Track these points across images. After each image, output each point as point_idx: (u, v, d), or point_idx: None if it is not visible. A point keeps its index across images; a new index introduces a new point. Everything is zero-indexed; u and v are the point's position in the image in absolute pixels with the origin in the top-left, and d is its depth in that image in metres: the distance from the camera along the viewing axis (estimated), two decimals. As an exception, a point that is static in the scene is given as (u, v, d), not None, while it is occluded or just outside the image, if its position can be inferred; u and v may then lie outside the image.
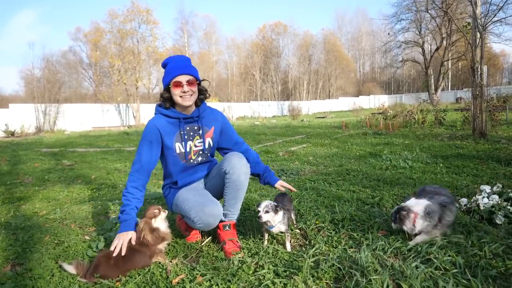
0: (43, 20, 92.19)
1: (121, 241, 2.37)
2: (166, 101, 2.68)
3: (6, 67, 79.92)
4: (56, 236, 2.98)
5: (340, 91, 65.23)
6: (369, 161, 6.07)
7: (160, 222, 2.53)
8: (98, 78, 42.05)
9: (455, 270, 1.96)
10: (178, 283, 2.14)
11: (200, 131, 2.76)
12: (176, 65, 2.63)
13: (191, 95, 2.62)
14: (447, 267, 2.01)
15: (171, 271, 2.29)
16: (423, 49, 35.08)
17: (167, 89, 2.65)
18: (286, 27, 65.94)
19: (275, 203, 2.52)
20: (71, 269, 2.26)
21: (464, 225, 2.70)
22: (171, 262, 2.47)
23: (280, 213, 2.52)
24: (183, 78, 2.58)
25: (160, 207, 2.57)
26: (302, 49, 65.33)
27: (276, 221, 2.51)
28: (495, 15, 8.64)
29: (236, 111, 37.77)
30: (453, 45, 32.52)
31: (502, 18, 9.06)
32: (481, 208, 2.96)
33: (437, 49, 33.55)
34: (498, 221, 2.78)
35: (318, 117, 28.72)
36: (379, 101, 37.65)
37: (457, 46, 32.26)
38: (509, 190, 3.27)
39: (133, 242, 2.39)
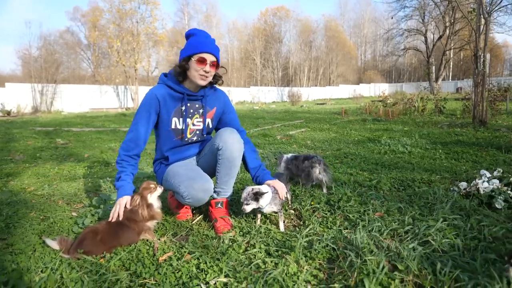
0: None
1: (118, 207, 2.29)
2: (180, 74, 2.49)
3: (3, 45, 78.94)
4: (42, 212, 2.89)
5: (340, 79, 64.78)
6: (367, 146, 5.98)
7: (155, 198, 2.44)
8: (97, 59, 41.55)
9: (453, 253, 1.87)
10: (165, 260, 2.06)
11: (201, 110, 2.63)
12: (204, 40, 2.43)
13: (209, 76, 2.48)
14: (446, 249, 1.92)
15: (158, 249, 2.21)
16: (425, 37, 34.63)
17: (187, 60, 2.44)
18: (288, 11, 65.13)
19: (255, 191, 2.38)
20: (54, 244, 2.16)
21: (463, 209, 2.62)
22: (159, 240, 2.39)
23: (267, 195, 2.41)
24: (209, 57, 2.41)
25: (155, 182, 2.48)
26: (303, 35, 64.64)
27: (264, 204, 2.42)
28: (501, 1, 8.46)
29: (236, 96, 37.55)
30: (456, 34, 32.11)
31: (509, 4, 8.85)
32: (481, 192, 2.88)
33: (439, 37, 33.13)
34: (497, 205, 2.70)
35: (317, 104, 28.54)
36: (380, 89, 37.36)
37: (460, 35, 31.89)
38: (509, 175, 3.19)
39: (128, 206, 2.32)
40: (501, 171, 3.36)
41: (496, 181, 2.99)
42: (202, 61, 2.40)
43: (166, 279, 1.85)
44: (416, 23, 37.54)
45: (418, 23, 36.49)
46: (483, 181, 3.01)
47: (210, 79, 2.51)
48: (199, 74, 2.43)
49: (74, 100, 27.54)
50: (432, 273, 1.69)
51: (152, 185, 2.44)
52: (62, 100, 26.32)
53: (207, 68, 2.41)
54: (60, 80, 28.13)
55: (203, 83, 2.48)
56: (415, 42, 40.33)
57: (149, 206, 2.38)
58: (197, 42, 2.42)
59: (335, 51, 63.81)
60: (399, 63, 58.78)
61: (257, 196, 2.37)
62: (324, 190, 3.25)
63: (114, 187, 2.48)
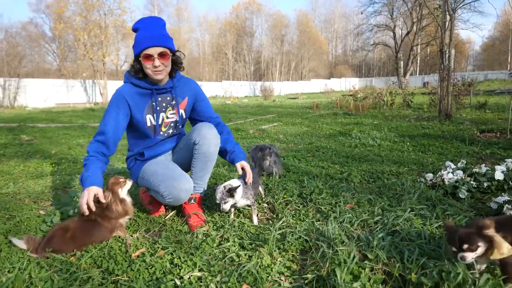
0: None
1: (85, 198, 2.13)
2: (138, 72, 2.43)
3: (-38, 38, 74.68)
4: (7, 211, 2.78)
5: (312, 73, 65.46)
6: (338, 139, 6.09)
7: (126, 193, 2.40)
8: (63, 52, 40.04)
9: (420, 241, 1.95)
10: (138, 257, 2.03)
11: (173, 102, 2.58)
12: (147, 35, 2.34)
13: (163, 69, 2.40)
14: (413, 238, 2.00)
15: (130, 245, 2.17)
16: (394, 33, 35.50)
17: (137, 59, 2.39)
18: (260, 6, 65.06)
19: (227, 188, 2.37)
20: (21, 244, 2.09)
21: (429, 199, 2.72)
22: (131, 236, 2.35)
23: (240, 189, 2.42)
24: (154, 51, 2.32)
25: (123, 177, 2.43)
26: (275, 29, 64.78)
27: (238, 199, 2.43)
28: (464, -1, 8.77)
29: (208, 90, 37.22)
30: (423, 30, 33.12)
31: (472, 1, 9.19)
32: (446, 183, 3.00)
33: (407, 33, 34.06)
34: (461, 195, 2.82)
35: (290, 98, 28.74)
36: (350, 83, 38.06)
37: (427, 31, 32.89)
38: (472, 166, 3.34)
39: (102, 200, 2.20)
40: (465, 162, 3.52)
41: (460, 172, 3.12)
42: (148, 57, 2.33)
43: (139, 275, 1.83)
44: (385, 19, 38.48)
45: (387, 19, 37.42)
46: (448, 172, 3.14)
47: (167, 70, 2.44)
48: (151, 70, 2.37)
49: (39, 95, 26.44)
50: (400, 261, 1.76)
51: (121, 179, 2.39)
52: (26, 95, 25.23)
53: (156, 62, 2.33)
54: (24, 74, 26.91)
55: (160, 77, 2.41)
56: (384, 38, 41.30)
57: (122, 201, 2.34)
58: (139, 39, 2.35)
59: (306, 45, 64.33)
60: (369, 58, 60.07)
61: (231, 192, 2.37)
62: (277, 177, 3.53)
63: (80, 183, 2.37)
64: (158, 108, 2.52)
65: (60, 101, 27.68)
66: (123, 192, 2.37)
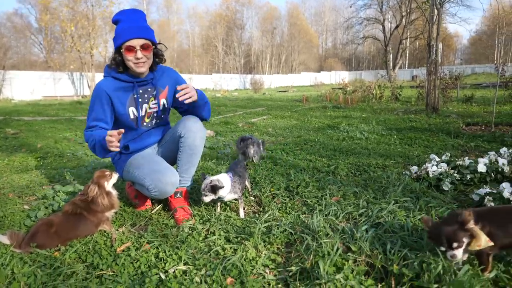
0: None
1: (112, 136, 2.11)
2: (119, 65, 2.41)
3: None
4: (-9, 205, 2.75)
5: (302, 66, 65.45)
6: (327, 133, 6.13)
7: (111, 186, 2.38)
8: (49, 44, 39.27)
9: (403, 233, 1.98)
10: (123, 251, 2.03)
11: (155, 92, 2.57)
12: (128, 26, 2.32)
13: (145, 61, 2.38)
14: (396, 230, 2.03)
15: (116, 239, 2.17)
16: (383, 26, 35.62)
17: (118, 51, 2.37)
18: (250, -2, 64.62)
19: (213, 184, 2.36)
20: (4, 239, 2.07)
21: (413, 191, 2.76)
22: (117, 230, 2.35)
23: (223, 189, 2.41)
24: (136, 43, 2.30)
25: (109, 170, 2.42)
26: (266, 22, 64.50)
27: (223, 195, 2.44)
28: (452, -7, 8.82)
29: (198, 83, 36.98)
30: (412, 24, 33.28)
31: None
32: (430, 175, 3.05)
33: (396, 27, 34.20)
34: (445, 188, 2.87)
35: (280, 91, 28.74)
36: (340, 77, 38.11)
37: (416, 25, 33.08)
38: (456, 159, 3.39)
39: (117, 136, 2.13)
40: (449, 155, 3.57)
41: (444, 165, 3.17)
42: (130, 49, 2.31)
43: (124, 269, 1.83)
44: (374, 12, 38.58)
45: (377, 12, 37.51)
46: (432, 165, 3.19)
47: (149, 62, 2.42)
48: (133, 63, 2.35)
49: (25, 87, 25.98)
50: (382, 253, 1.79)
51: (107, 173, 2.37)
52: (12, 87, 24.78)
53: (138, 54, 2.31)
54: (9, 66, 26.47)
55: (141, 70, 2.39)
56: (374, 31, 41.40)
57: (108, 194, 2.33)
58: (121, 30, 2.32)
59: (297, 38, 64.22)
60: (358, 51, 60.23)
61: (214, 189, 2.37)
62: (255, 160, 3.98)
63: (94, 149, 2.36)
64: (140, 100, 2.51)
65: (47, 93, 27.24)
66: (109, 185, 2.36)
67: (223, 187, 2.39)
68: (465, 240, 1.53)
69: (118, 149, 2.17)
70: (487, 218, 1.59)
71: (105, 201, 2.28)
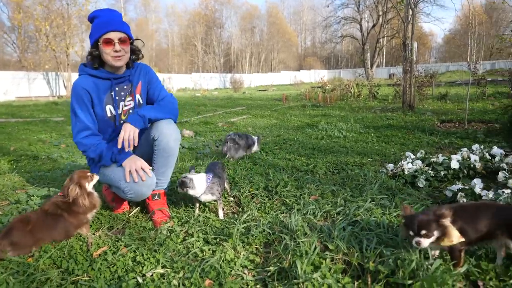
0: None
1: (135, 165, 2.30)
2: (95, 60, 2.38)
3: None
4: (-40, 211, 2.65)
5: (282, 65, 65.69)
6: (306, 131, 6.17)
7: (92, 187, 2.34)
8: (23, 43, 38.12)
9: (379, 230, 2.01)
10: (99, 255, 1.99)
11: (130, 89, 2.55)
12: (106, 20, 2.32)
13: (123, 55, 2.37)
14: (372, 228, 2.06)
15: (92, 244, 2.13)
16: (361, 25, 36.14)
17: (95, 46, 2.35)
18: (229, -3, 64.44)
19: (180, 180, 2.41)
20: None
21: (389, 189, 2.81)
22: (94, 234, 2.30)
23: (200, 186, 2.43)
24: (114, 35, 2.30)
25: (88, 171, 2.37)
26: (245, 20, 64.45)
27: (196, 194, 2.44)
28: (426, -7, 9.03)
29: (177, 82, 36.65)
30: (388, 23, 33.94)
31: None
32: (406, 172, 3.11)
33: (373, 26, 34.78)
34: (420, 184, 2.93)
35: (260, 90, 28.78)
36: (319, 75, 38.44)
37: (392, 24, 33.75)
38: (431, 156, 3.48)
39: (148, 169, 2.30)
40: (424, 152, 3.66)
41: (419, 162, 3.24)
42: (109, 42, 2.30)
43: (100, 274, 1.80)
44: (352, 12, 39.06)
45: (354, 12, 38.02)
46: (408, 162, 3.26)
47: (126, 57, 2.42)
48: (111, 56, 2.34)
49: (-2, 87, 25.21)
50: (359, 251, 1.81)
51: (88, 174, 2.33)
52: (-17, 87, 24.01)
53: (117, 47, 2.31)
54: (-20, 66, 25.61)
55: (119, 63, 2.38)
56: (351, 30, 42.01)
57: (89, 195, 2.28)
58: (99, 24, 2.33)
59: (276, 37, 64.41)
60: (337, 50, 60.97)
61: (181, 185, 2.40)
62: (231, 160, 4.15)
63: (104, 164, 2.42)
64: (117, 98, 2.49)
65: (21, 94, 26.44)
66: (90, 186, 2.31)
67: (189, 187, 2.40)
68: (436, 233, 1.58)
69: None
70: (458, 214, 1.64)
71: (86, 201, 2.23)
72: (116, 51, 2.32)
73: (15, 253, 1.97)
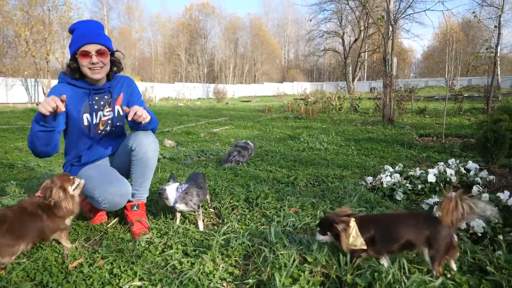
0: None
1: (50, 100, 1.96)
2: (75, 72, 2.37)
3: None
4: None
5: (265, 76, 66.13)
6: (288, 143, 6.22)
7: (73, 190, 2.26)
8: (1, 48, 37.29)
9: (357, 243, 2.04)
10: (75, 267, 1.95)
11: (110, 100, 2.53)
12: (84, 32, 2.31)
13: (102, 67, 2.35)
14: (350, 240, 2.08)
15: (68, 256, 2.08)
16: (343, 39, 36.84)
17: (74, 58, 2.34)
18: (214, 8, 64.81)
19: (158, 191, 2.46)
20: None
21: (368, 201, 2.86)
22: (70, 245, 2.25)
23: (171, 194, 2.44)
24: (92, 48, 2.29)
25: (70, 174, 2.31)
26: (229, 31, 64.84)
27: (168, 203, 2.45)
28: (405, 11, 9.34)
29: (160, 92, 36.46)
30: (370, 38, 34.76)
31: (411, 14, 9.79)
32: (384, 185, 3.17)
33: (355, 40, 35.51)
34: (398, 197, 2.99)
35: (243, 101, 28.87)
36: (302, 87, 38.85)
37: (373, 39, 34.57)
38: (408, 170, 3.55)
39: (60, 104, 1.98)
40: (402, 166, 3.73)
41: (397, 175, 3.31)
42: (85, 54, 2.29)
43: (75, 287, 1.76)
44: (334, 26, 39.80)
45: (336, 26, 38.75)
46: (386, 176, 3.32)
47: (105, 69, 2.41)
48: (88, 69, 2.33)
49: (-27, 93, 24.53)
50: (337, 263, 1.83)
51: (71, 177, 2.27)
52: (-42, 93, 23.33)
53: (94, 59, 2.30)
54: (-45, 71, 24.91)
55: (98, 76, 2.37)
56: (334, 44, 42.68)
57: (72, 198, 2.21)
58: (76, 37, 2.32)
59: (259, 49, 64.92)
60: (319, 63, 61.93)
61: (159, 195, 2.46)
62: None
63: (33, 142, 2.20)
64: (95, 107, 2.47)
65: (-2, 100, 25.80)
66: (72, 189, 2.24)
67: (163, 197, 2.44)
68: (328, 234, 1.85)
69: (49, 111, 1.98)
70: (375, 223, 1.81)
71: (69, 205, 2.16)
72: (93, 63, 2.31)
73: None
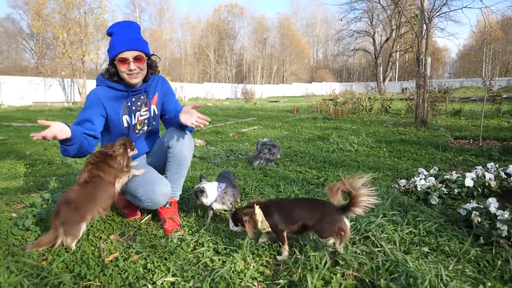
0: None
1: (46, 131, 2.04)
2: (113, 76, 2.45)
3: None
4: (-24, 213, 2.70)
5: (293, 77, 65.86)
6: (317, 144, 6.17)
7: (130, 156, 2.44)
8: (41, 50, 38.92)
9: (390, 246, 2.00)
10: (111, 261, 2.01)
11: (146, 100, 2.60)
12: (122, 38, 2.36)
13: (139, 72, 2.41)
14: (383, 244, 2.04)
15: (104, 249, 2.15)
16: (373, 39, 36.17)
17: (112, 63, 2.41)
18: (242, 9, 65.18)
19: (195, 189, 2.52)
20: None
21: (401, 205, 2.79)
22: (107, 238, 2.32)
23: (209, 194, 2.48)
24: (129, 55, 2.34)
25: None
26: (257, 32, 64.99)
27: (207, 202, 2.50)
28: (440, 9, 9.06)
29: (189, 91, 37.02)
30: (401, 37, 33.92)
31: (446, 12, 9.48)
32: (418, 189, 3.08)
33: (386, 40, 34.77)
34: (433, 202, 2.90)
35: (271, 101, 28.87)
36: (331, 88, 38.40)
37: (405, 38, 33.71)
38: (444, 173, 3.44)
39: (58, 135, 2.06)
40: (437, 169, 3.62)
41: (432, 179, 3.21)
42: (124, 61, 2.35)
43: (111, 280, 1.82)
44: (365, 25, 39.13)
45: (367, 25, 38.08)
46: (421, 179, 3.23)
47: (143, 73, 2.46)
48: (126, 74, 2.39)
49: (15, 92, 25.74)
50: (370, 267, 1.80)
51: (133, 143, 2.44)
52: (2, 92, 24.55)
53: (132, 66, 2.36)
54: (-1, 71, 26.26)
55: (136, 81, 2.43)
56: (364, 43, 41.95)
57: (128, 158, 2.37)
58: (114, 43, 2.37)
59: (288, 49, 64.73)
60: (349, 63, 60.97)
61: (196, 194, 2.49)
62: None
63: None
64: (133, 107, 2.53)
65: (37, 99, 26.98)
66: (130, 154, 2.41)
67: (203, 192, 2.49)
68: (239, 223, 2.09)
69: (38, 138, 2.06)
70: (276, 208, 2.04)
71: (124, 161, 2.32)
72: (130, 70, 2.37)
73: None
